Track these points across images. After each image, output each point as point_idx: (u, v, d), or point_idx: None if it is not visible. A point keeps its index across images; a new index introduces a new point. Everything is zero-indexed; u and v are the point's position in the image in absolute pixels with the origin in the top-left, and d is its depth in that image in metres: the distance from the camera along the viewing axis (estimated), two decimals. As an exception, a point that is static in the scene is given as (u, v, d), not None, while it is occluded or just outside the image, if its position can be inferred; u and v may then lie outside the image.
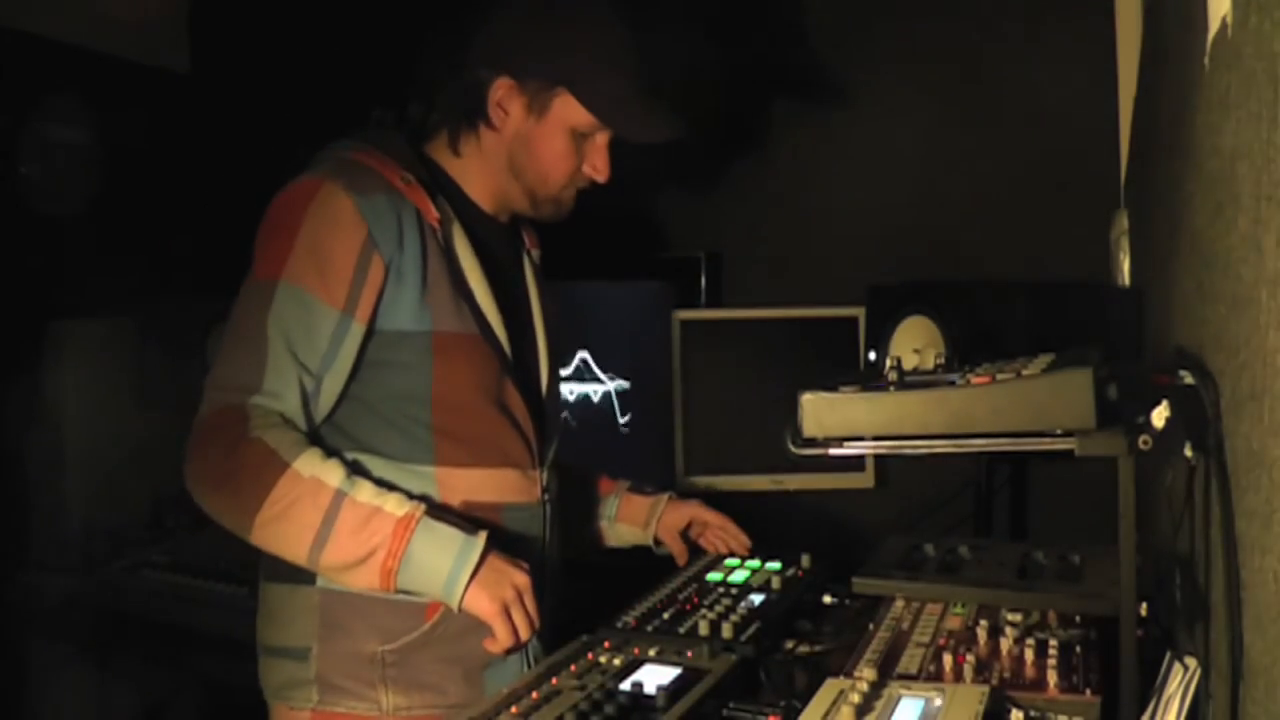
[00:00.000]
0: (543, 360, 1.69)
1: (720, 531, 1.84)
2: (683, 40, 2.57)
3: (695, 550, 1.85)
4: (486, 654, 1.44)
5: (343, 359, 1.47)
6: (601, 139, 1.59)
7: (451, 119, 1.59)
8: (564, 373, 2.56)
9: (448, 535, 1.41)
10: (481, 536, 1.42)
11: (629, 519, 1.85)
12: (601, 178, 1.62)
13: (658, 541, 1.84)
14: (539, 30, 1.53)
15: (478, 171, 1.61)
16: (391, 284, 1.48)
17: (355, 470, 1.46)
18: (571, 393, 2.58)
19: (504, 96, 1.54)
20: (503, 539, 1.49)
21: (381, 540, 1.38)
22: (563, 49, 1.52)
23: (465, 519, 1.48)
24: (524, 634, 1.42)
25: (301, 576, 1.49)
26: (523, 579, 1.43)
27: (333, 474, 1.41)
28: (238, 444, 1.39)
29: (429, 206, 1.51)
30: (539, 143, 1.55)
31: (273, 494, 1.37)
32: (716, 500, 1.88)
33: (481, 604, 1.40)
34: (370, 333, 1.48)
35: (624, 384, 2.66)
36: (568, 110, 1.54)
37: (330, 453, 1.46)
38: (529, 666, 1.54)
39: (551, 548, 1.64)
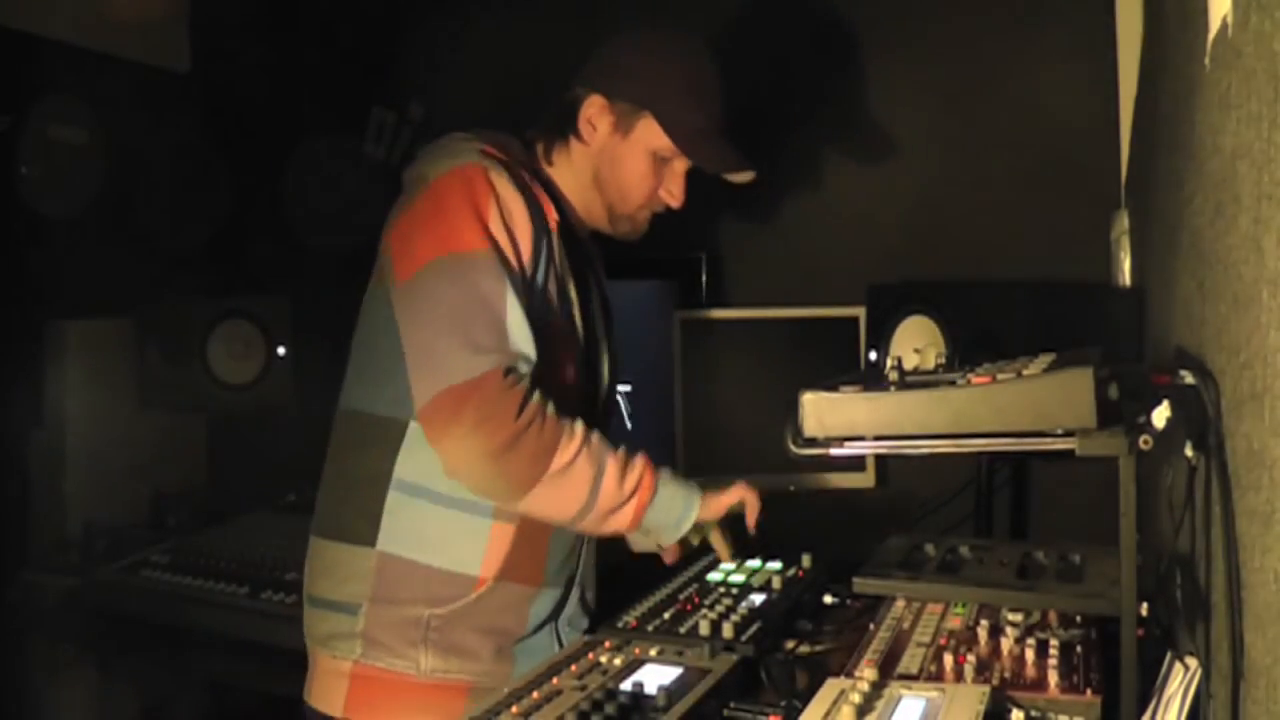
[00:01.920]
0: (605, 365, 1.78)
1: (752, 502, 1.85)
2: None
3: (696, 551, 1.84)
4: (519, 630, 1.60)
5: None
6: (680, 166, 1.70)
7: (547, 129, 1.71)
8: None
9: (679, 482, 1.60)
10: (698, 491, 1.62)
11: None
12: (676, 203, 1.74)
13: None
14: (635, 56, 1.68)
15: (565, 182, 1.71)
16: (531, 274, 1.57)
17: (428, 447, 1.51)
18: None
19: (595, 113, 1.66)
20: (552, 527, 1.60)
21: (636, 484, 1.53)
22: (653, 76, 1.66)
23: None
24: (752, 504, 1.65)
25: (363, 538, 1.58)
26: (738, 493, 1.65)
27: (595, 434, 1.53)
28: (525, 403, 1.45)
29: (550, 208, 1.61)
30: (621, 160, 1.67)
31: (559, 452, 1.46)
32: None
33: (711, 508, 1.63)
34: None
35: (625, 384, 2.66)
36: (650, 134, 1.66)
37: None
38: (560, 645, 1.66)
39: (590, 542, 1.71)
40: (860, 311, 2.47)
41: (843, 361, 2.45)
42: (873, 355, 2.26)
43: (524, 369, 1.49)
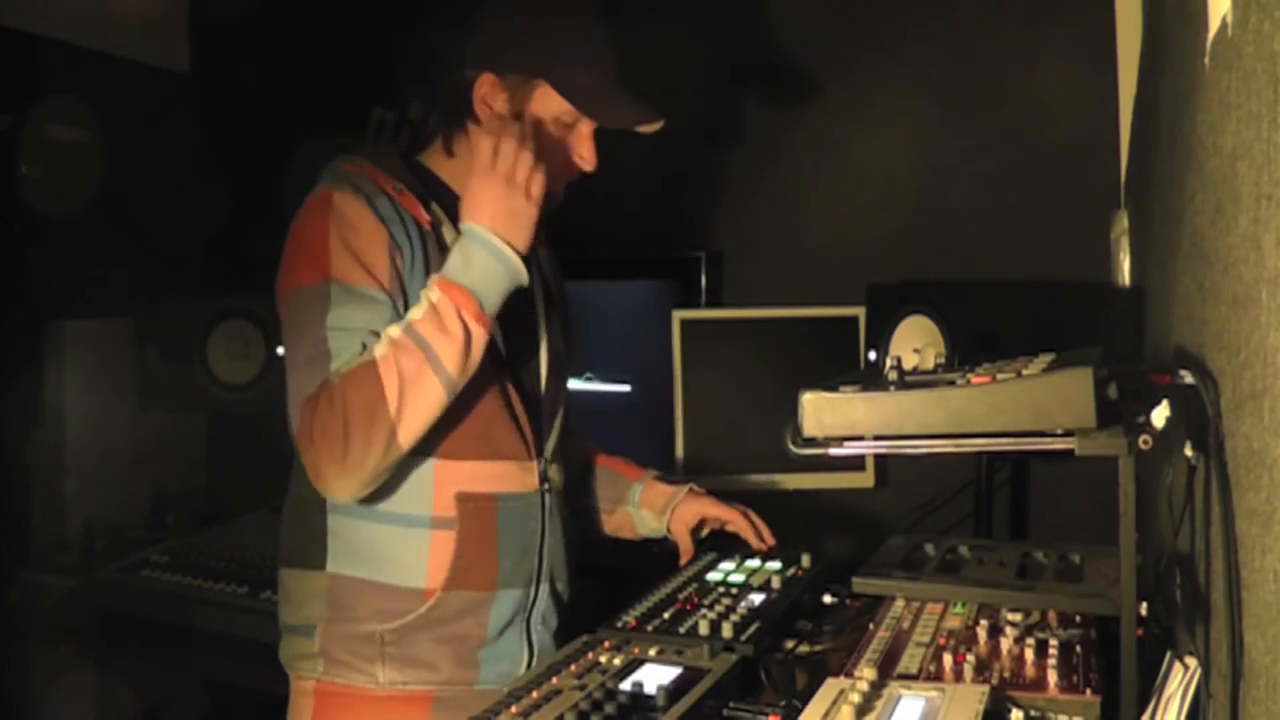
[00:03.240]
0: (543, 354, 1.72)
1: (740, 518, 1.85)
2: (662, 32, 2.57)
3: (698, 548, 1.84)
4: (480, 636, 1.59)
5: None
6: (586, 128, 1.62)
7: (443, 120, 1.66)
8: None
9: (466, 260, 1.50)
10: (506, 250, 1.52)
11: (649, 505, 1.88)
12: (588, 166, 1.65)
13: (668, 532, 1.85)
14: (518, 26, 1.60)
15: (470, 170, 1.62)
16: (406, 281, 1.55)
17: None
18: (571, 392, 2.58)
19: (487, 92, 1.59)
20: (498, 527, 1.60)
21: (453, 310, 1.46)
22: (540, 41, 1.59)
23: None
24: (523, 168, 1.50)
25: (313, 561, 1.59)
26: (485, 162, 1.52)
27: (392, 328, 1.47)
28: (336, 397, 1.44)
29: (419, 210, 1.58)
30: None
31: (386, 389, 1.43)
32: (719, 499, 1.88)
33: (503, 222, 1.51)
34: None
35: (624, 384, 2.66)
36: (548, 102, 1.59)
37: None
38: (530, 647, 1.65)
39: (552, 536, 1.68)
40: (860, 311, 2.47)
41: (842, 361, 2.45)
42: (872, 355, 2.26)
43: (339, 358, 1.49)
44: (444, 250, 1.56)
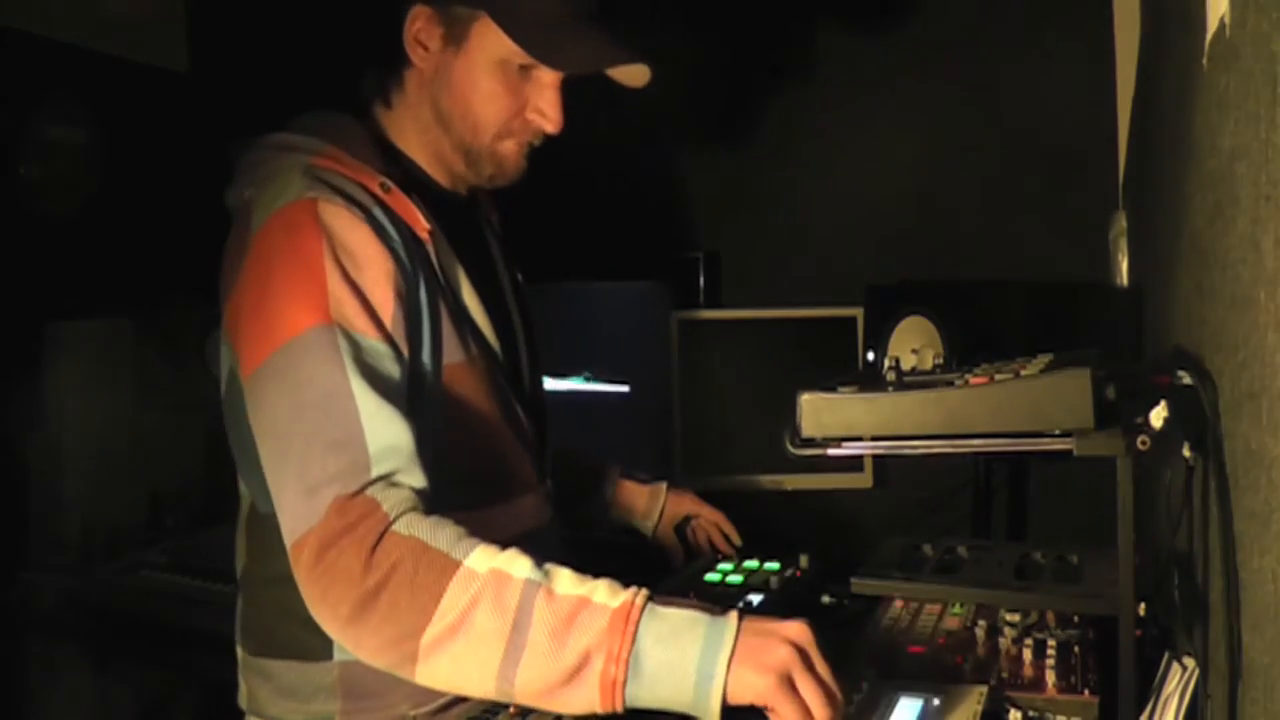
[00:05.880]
0: (524, 351, 1.53)
1: (712, 527, 1.82)
2: (662, 32, 2.57)
3: (690, 549, 1.84)
4: None
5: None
6: (547, 77, 1.33)
7: (381, 65, 1.38)
8: (568, 378, 2.56)
9: (687, 619, 1.03)
10: (732, 614, 1.05)
11: (626, 507, 1.81)
12: (550, 125, 1.35)
13: (654, 536, 1.83)
14: None
15: (412, 131, 1.39)
16: (410, 318, 1.27)
17: None
18: (570, 393, 2.58)
19: (421, 28, 1.32)
20: None
21: (597, 640, 1.02)
22: None
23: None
24: (820, 710, 1.00)
25: (314, 653, 1.28)
26: (798, 630, 1.03)
27: (518, 564, 1.07)
28: (377, 546, 1.08)
29: (417, 218, 1.31)
30: (462, 81, 1.32)
31: (443, 602, 1.05)
32: (715, 500, 1.88)
33: (750, 684, 0.99)
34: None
35: (623, 384, 2.66)
36: (491, 38, 1.30)
37: None
38: None
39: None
40: (858, 312, 2.48)
41: (840, 362, 2.45)
42: (870, 356, 2.26)
43: (386, 467, 1.13)
44: (439, 261, 1.32)
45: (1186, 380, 1.06)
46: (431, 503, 1.15)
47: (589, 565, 1.65)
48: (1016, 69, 2.51)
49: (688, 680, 1.00)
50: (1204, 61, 1.07)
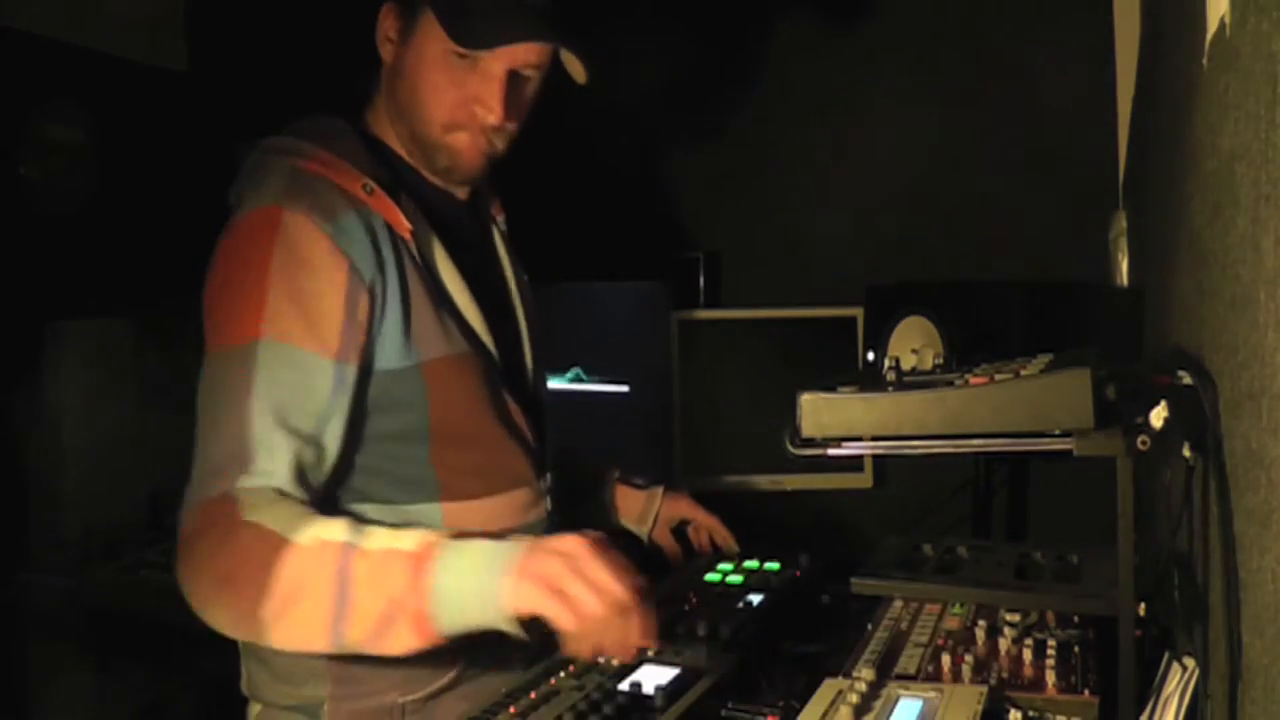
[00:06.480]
0: (527, 349, 1.56)
1: (708, 530, 1.83)
2: (662, 32, 2.57)
3: (690, 550, 1.84)
4: (510, 685, 1.24)
5: (341, 410, 1.29)
6: (494, 68, 1.34)
7: (364, 63, 1.44)
8: (566, 375, 2.56)
9: (480, 550, 1.16)
10: (522, 539, 1.19)
11: (623, 511, 1.82)
12: (493, 117, 1.36)
13: (650, 539, 1.84)
14: None
15: (386, 121, 1.44)
16: (377, 318, 1.32)
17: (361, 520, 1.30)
18: (570, 393, 2.58)
19: (389, 24, 1.39)
20: None
21: (403, 585, 1.14)
22: None
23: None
24: (587, 607, 1.12)
25: None
26: (571, 542, 1.15)
27: (336, 529, 1.18)
28: (229, 535, 1.18)
29: (399, 218, 1.34)
30: (411, 72, 1.37)
31: (278, 576, 1.15)
32: (715, 500, 1.88)
33: (525, 595, 1.13)
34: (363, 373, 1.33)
35: (623, 385, 2.66)
36: (432, 30, 1.33)
37: (337, 510, 1.30)
38: None
39: None
40: (858, 312, 2.48)
41: (840, 362, 2.45)
42: (870, 356, 2.26)
43: (260, 483, 1.21)
44: (424, 260, 1.36)
45: (1186, 380, 1.07)
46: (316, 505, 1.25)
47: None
48: (1016, 69, 2.52)
49: (480, 602, 1.13)
50: (1204, 61, 1.07)
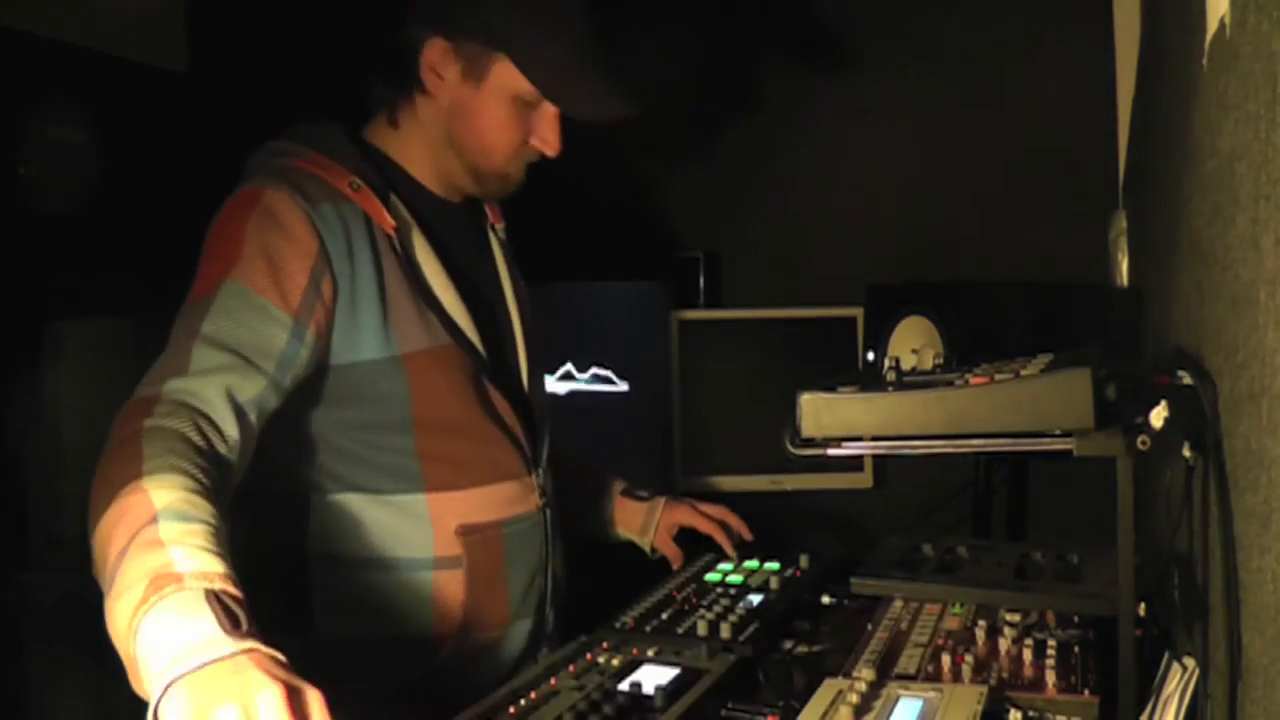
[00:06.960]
0: (521, 350, 1.59)
1: (715, 530, 1.82)
2: (648, 20, 2.57)
3: (692, 551, 1.84)
4: (493, 679, 1.29)
5: (296, 371, 1.32)
6: (550, 108, 1.45)
7: (386, 86, 1.49)
8: (558, 372, 2.56)
9: (199, 625, 0.93)
10: (244, 642, 0.91)
11: (625, 524, 1.83)
12: (551, 151, 1.48)
13: (653, 549, 1.83)
14: None
15: (419, 147, 1.50)
16: (343, 308, 1.36)
17: (339, 510, 1.37)
18: (570, 393, 2.58)
19: (438, 60, 1.42)
20: (504, 556, 1.47)
21: (135, 596, 1.01)
22: (501, 7, 1.40)
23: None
24: None
25: (288, 627, 1.29)
26: (272, 692, 0.87)
27: (165, 494, 1.08)
28: (121, 444, 1.19)
29: (383, 214, 1.40)
30: (478, 114, 1.44)
31: (114, 505, 1.09)
32: (715, 500, 1.88)
33: (177, 707, 0.86)
34: (326, 366, 1.37)
35: (623, 384, 2.66)
36: (507, 77, 1.41)
37: (303, 489, 1.37)
38: None
39: (555, 555, 1.58)
40: (858, 312, 2.48)
41: (840, 362, 2.45)
42: (870, 355, 2.26)
43: (184, 400, 1.22)
44: (406, 256, 1.41)
45: (1186, 380, 1.07)
46: (230, 445, 1.23)
47: (587, 557, 1.67)
48: (1016, 69, 2.52)
49: (149, 665, 0.95)
50: (1204, 61, 1.07)
